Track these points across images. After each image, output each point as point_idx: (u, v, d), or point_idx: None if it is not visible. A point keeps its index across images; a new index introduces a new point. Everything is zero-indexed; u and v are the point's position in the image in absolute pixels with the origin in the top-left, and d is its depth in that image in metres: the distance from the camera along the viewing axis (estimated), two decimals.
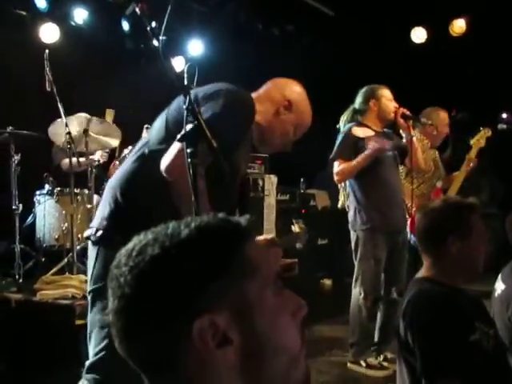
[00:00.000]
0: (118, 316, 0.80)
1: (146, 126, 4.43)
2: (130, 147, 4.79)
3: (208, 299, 0.77)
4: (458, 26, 6.68)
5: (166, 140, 2.00)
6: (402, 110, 3.83)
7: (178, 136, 1.76)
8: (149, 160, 2.04)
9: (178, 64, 6.67)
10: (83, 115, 4.55)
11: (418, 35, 6.85)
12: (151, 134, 2.17)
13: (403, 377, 1.99)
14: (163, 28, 1.72)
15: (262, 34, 6.96)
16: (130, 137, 4.78)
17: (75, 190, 4.46)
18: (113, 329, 0.81)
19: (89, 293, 2.09)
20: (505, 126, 4.91)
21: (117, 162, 4.90)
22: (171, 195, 1.90)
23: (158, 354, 0.78)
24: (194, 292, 0.77)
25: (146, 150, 2.08)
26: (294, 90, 2.32)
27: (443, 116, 4.58)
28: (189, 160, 1.57)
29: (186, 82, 1.77)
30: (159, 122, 2.15)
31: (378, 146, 3.65)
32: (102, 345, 1.96)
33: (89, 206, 4.56)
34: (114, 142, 4.72)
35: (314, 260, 6.85)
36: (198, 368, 0.77)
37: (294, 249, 6.19)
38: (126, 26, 6.32)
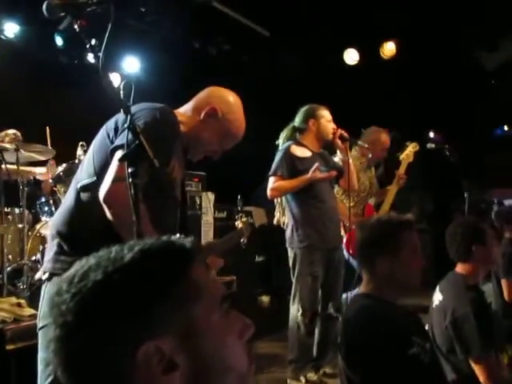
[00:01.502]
0: (61, 344, 0.77)
1: (80, 143, 4.33)
2: (64, 165, 4.67)
3: (153, 324, 0.76)
4: (389, 48, 6.92)
5: (95, 172, 1.98)
6: (340, 131, 3.92)
7: (119, 155, 1.73)
8: (82, 195, 2.00)
9: (114, 80, 6.59)
10: (12, 132, 4.40)
11: (351, 56, 7.06)
12: (83, 164, 2.13)
13: None
14: (104, 45, 1.70)
15: (199, 52, 6.97)
16: (64, 154, 4.66)
17: (5, 209, 4.28)
18: (56, 358, 0.78)
19: (37, 331, 2.02)
20: (433, 145, 5.11)
21: (50, 180, 4.75)
22: (112, 226, 1.86)
23: (103, 381, 0.76)
24: (138, 317, 0.75)
25: (78, 186, 2.02)
26: (224, 98, 2.26)
27: (384, 139, 4.73)
28: (130, 180, 1.54)
29: (122, 99, 1.75)
30: (89, 153, 2.12)
31: (320, 176, 3.74)
32: (47, 383, 1.89)
33: (20, 225, 4.38)
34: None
35: (251, 277, 6.85)
36: None
37: (231, 266, 6.19)
38: (59, 41, 6.18)
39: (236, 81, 6.86)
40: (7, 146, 4.18)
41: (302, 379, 3.80)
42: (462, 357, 2.52)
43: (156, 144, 1.72)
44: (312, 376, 3.81)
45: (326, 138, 3.94)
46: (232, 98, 2.28)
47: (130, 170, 1.56)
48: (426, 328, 4.72)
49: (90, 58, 6.08)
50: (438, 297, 2.73)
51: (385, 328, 1.95)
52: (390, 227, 2.09)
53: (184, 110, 2.25)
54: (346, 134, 3.94)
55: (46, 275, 1.99)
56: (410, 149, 4.78)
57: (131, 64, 7.01)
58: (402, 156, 4.77)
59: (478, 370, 2.47)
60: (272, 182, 3.84)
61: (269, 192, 3.87)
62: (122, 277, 0.77)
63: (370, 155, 4.61)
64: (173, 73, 6.80)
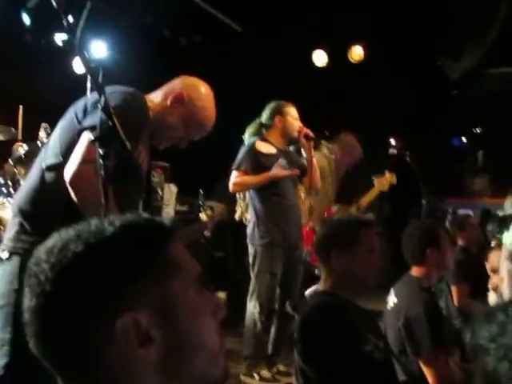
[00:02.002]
0: (36, 314, 0.77)
1: (43, 124, 4.23)
2: (24, 145, 4.56)
3: (131, 297, 0.77)
4: (357, 52, 7.00)
5: (61, 153, 1.95)
6: (305, 130, 3.95)
7: (87, 135, 1.70)
8: (47, 175, 1.97)
9: (80, 64, 6.46)
10: None
11: (320, 58, 7.11)
12: (49, 144, 2.08)
13: None
14: (82, 21, 1.66)
15: (169, 42, 6.90)
16: (25, 135, 4.55)
17: None
18: (29, 328, 0.78)
19: None
20: (395, 151, 5.19)
21: (10, 161, 4.63)
22: (75, 207, 1.83)
23: (79, 353, 0.76)
24: (117, 290, 0.76)
25: (43, 165, 1.98)
26: (194, 85, 2.23)
27: (359, 152, 4.88)
28: (101, 162, 1.52)
29: (89, 84, 1.73)
30: (55, 133, 2.08)
31: (283, 173, 3.78)
32: (1, 363, 1.83)
33: None
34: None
35: (209, 272, 6.84)
36: (120, 367, 0.76)
37: None
38: (26, 19, 6.01)
39: (204, 73, 6.85)
40: None
41: (256, 376, 3.81)
42: (412, 357, 2.57)
43: (126, 127, 1.71)
44: (265, 373, 3.82)
45: (291, 135, 3.96)
46: (203, 87, 2.26)
47: (101, 152, 1.54)
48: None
49: (58, 39, 5.95)
50: (392, 299, 2.78)
51: (340, 325, 1.99)
52: (348, 224, 2.13)
53: (153, 96, 2.23)
54: (311, 134, 3.97)
55: (6, 254, 1.93)
56: (388, 178, 4.82)
57: (98, 48, 6.88)
58: (377, 181, 4.81)
59: (427, 371, 2.53)
60: (235, 176, 3.83)
61: (231, 186, 3.87)
62: (103, 249, 0.78)
63: (337, 156, 4.68)
64: (141, 60, 6.71)
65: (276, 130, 3.94)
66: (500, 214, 5.40)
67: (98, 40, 6.82)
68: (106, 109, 1.58)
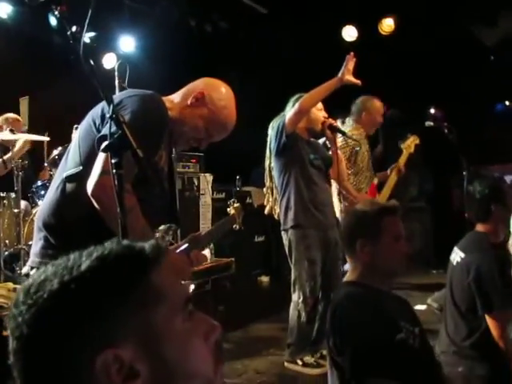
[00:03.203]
0: (18, 357, 0.76)
1: (75, 126, 4.30)
2: (59, 148, 4.65)
3: (110, 332, 0.74)
4: (387, 24, 6.83)
5: (81, 161, 1.94)
6: (329, 121, 3.87)
7: (102, 146, 1.71)
8: (68, 186, 1.95)
9: (110, 60, 6.53)
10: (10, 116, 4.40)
11: (349, 33, 6.97)
12: (69, 152, 2.07)
13: (333, 379, 2.02)
14: (84, 31, 1.66)
15: (195, 31, 6.89)
16: (60, 137, 4.64)
17: (1, 194, 4.28)
18: (14, 370, 0.77)
19: None
20: (432, 123, 5.04)
21: (45, 164, 4.74)
22: (99, 217, 1.82)
23: None
24: (95, 326, 0.74)
25: (64, 175, 1.97)
26: (215, 86, 2.18)
27: (378, 105, 4.73)
28: (114, 171, 1.52)
29: (117, 82, 1.73)
30: (75, 141, 2.06)
31: (353, 79, 3.66)
32: None
33: (16, 210, 4.39)
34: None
35: (250, 258, 6.88)
36: None
37: (230, 247, 6.21)
38: (53, 21, 6.09)
39: (232, 59, 6.82)
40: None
41: (299, 362, 3.82)
42: (481, 312, 2.57)
43: (143, 134, 1.70)
44: (309, 359, 3.81)
45: (315, 127, 3.90)
46: (224, 87, 2.20)
47: (113, 161, 1.54)
48: (429, 302, 4.76)
49: (86, 38, 6.03)
50: (459, 254, 2.76)
51: (371, 314, 1.96)
52: (371, 213, 2.08)
53: (173, 97, 2.20)
54: (335, 124, 3.90)
55: (34, 271, 1.93)
56: (412, 140, 4.82)
57: (127, 43, 6.93)
58: (404, 146, 4.79)
59: (493, 325, 2.52)
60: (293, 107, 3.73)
61: (300, 105, 3.68)
62: (77, 286, 0.75)
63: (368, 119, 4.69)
64: (169, 51, 6.73)
65: (300, 123, 3.88)
66: None
67: (125, 35, 6.88)
68: (115, 117, 1.58)
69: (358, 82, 3.72)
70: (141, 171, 1.70)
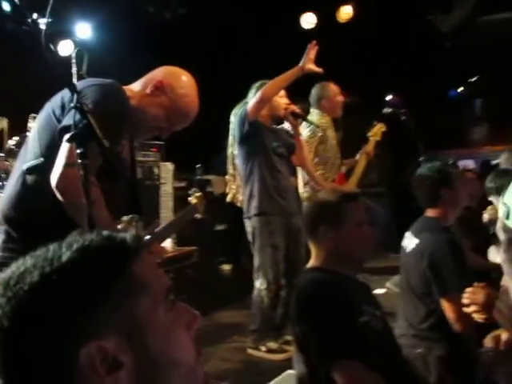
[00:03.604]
0: None
1: (31, 115, 4.19)
2: (15, 138, 4.53)
3: (93, 324, 0.74)
4: (345, 12, 6.88)
5: (42, 153, 1.91)
6: (292, 107, 3.91)
7: (67, 136, 1.68)
8: (28, 178, 1.92)
9: (66, 48, 6.38)
10: None
11: (308, 20, 6.98)
12: (28, 143, 2.03)
13: (300, 363, 2.05)
14: (46, 20, 1.62)
15: (153, 17, 6.79)
16: (15, 126, 4.51)
17: None
18: None
19: None
20: (389, 110, 5.13)
21: (1, 154, 4.60)
22: (62, 209, 1.80)
23: None
24: (78, 319, 0.73)
25: (24, 167, 1.93)
26: (175, 75, 2.16)
27: (333, 88, 4.73)
28: (79, 162, 1.50)
29: (74, 69, 1.71)
30: (33, 131, 2.03)
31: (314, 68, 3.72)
32: None
33: None
34: None
35: (212, 246, 6.87)
36: None
37: (191, 236, 6.19)
38: (6, 6, 5.91)
39: (191, 47, 6.75)
40: None
41: (263, 348, 3.85)
42: (437, 296, 2.60)
43: (106, 123, 1.68)
44: (272, 344, 3.85)
45: (278, 113, 3.93)
46: (184, 75, 2.18)
47: (78, 151, 1.52)
48: (388, 286, 4.85)
49: (42, 23, 5.88)
50: (413, 241, 2.79)
51: (335, 297, 1.99)
52: (333, 200, 2.11)
53: (132, 86, 2.18)
54: (298, 111, 3.95)
55: None
56: (378, 128, 4.87)
57: (83, 30, 6.77)
58: (371, 134, 4.84)
59: (449, 309, 2.55)
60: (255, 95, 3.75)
61: (262, 93, 3.70)
62: (59, 278, 0.74)
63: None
64: (127, 39, 6.61)
65: (263, 111, 3.90)
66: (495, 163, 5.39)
67: (82, 21, 6.72)
68: (80, 107, 1.55)
69: (320, 70, 3.76)
70: (106, 161, 1.69)
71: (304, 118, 4.10)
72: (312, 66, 3.70)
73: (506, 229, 0.95)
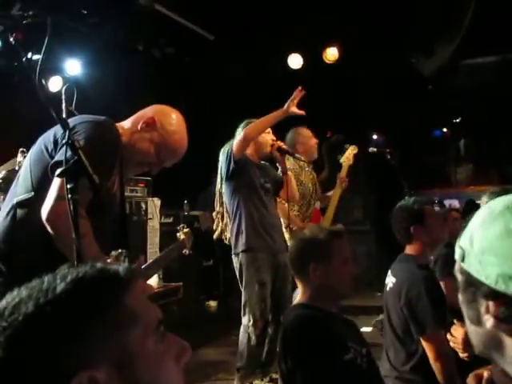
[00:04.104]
0: None
1: (21, 149, 4.20)
2: (3, 172, 4.52)
3: (86, 355, 0.75)
4: (331, 53, 7.03)
5: (33, 187, 1.93)
6: (278, 143, 3.96)
7: (58, 171, 1.70)
8: (19, 211, 1.93)
9: (56, 84, 6.44)
10: None
11: (295, 61, 7.12)
12: (19, 177, 2.06)
13: None
14: (41, 60, 1.66)
15: (142, 56, 6.89)
16: (3, 161, 4.52)
17: None
18: None
19: None
20: (375, 149, 5.20)
21: None
22: (52, 242, 1.81)
23: None
24: (70, 349, 0.74)
25: (14, 201, 1.95)
26: (165, 112, 2.22)
27: (305, 132, 4.73)
28: (69, 196, 1.52)
29: (63, 105, 1.74)
30: (25, 166, 2.05)
31: (297, 111, 3.79)
32: None
33: None
34: None
35: (198, 282, 6.84)
36: None
37: (178, 272, 6.16)
38: None
39: (180, 85, 6.84)
40: None
41: None
42: (416, 336, 2.59)
43: (97, 160, 1.71)
44: (258, 382, 3.82)
45: (264, 150, 3.99)
46: (174, 113, 2.24)
47: (68, 186, 1.54)
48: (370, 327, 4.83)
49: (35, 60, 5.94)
50: (391, 280, 2.79)
51: (321, 335, 2.00)
52: (321, 237, 2.14)
53: (123, 123, 2.22)
54: (284, 146, 4.00)
55: None
56: (350, 151, 4.81)
57: (73, 67, 6.84)
58: (343, 159, 4.79)
59: (428, 348, 2.54)
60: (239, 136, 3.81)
61: (245, 134, 3.75)
62: (53, 309, 0.75)
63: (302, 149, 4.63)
64: (116, 76, 6.70)
65: (250, 147, 3.96)
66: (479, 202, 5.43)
67: (71, 59, 6.80)
68: (71, 143, 1.58)
69: (302, 112, 3.85)
70: (96, 197, 1.71)
71: (290, 154, 4.15)
72: (295, 109, 3.80)
73: (462, 271, 1.00)
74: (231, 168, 3.85)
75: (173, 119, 2.20)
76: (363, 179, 8.84)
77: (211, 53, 6.84)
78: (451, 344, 1.99)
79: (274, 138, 3.97)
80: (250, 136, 3.79)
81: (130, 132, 2.15)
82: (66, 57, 6.74)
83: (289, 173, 4.07)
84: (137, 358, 0.78)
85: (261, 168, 4.02)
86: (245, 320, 3.84)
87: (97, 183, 1.58)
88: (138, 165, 2.20)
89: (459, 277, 1.03)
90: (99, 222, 1.87)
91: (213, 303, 7.08)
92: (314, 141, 4.75)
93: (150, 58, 6.91)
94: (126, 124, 2.20)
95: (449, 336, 2.08)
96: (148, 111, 2.22)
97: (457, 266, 1.05)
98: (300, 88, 3.79)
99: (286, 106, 3.78)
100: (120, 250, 1.96)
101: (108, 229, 2.02)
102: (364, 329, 4.87)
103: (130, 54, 6.80)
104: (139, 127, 2.15)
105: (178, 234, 2.56)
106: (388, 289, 2.81)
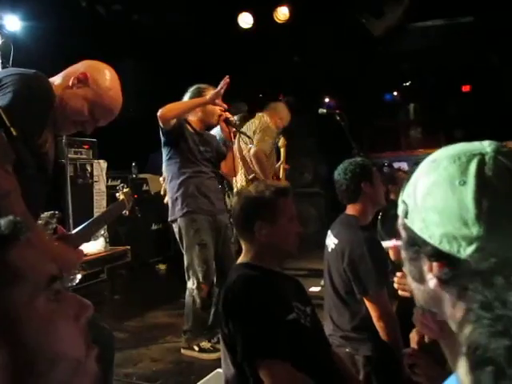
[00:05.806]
0: None
1: None
2: None
3: None
4: (282, 13, 6.91)
5: None
6: (225, 114, 3.85)
7: None
8: None
9: None
10: None
11: (245, 20, 6.97)
12: None
13: (227, 362, 2.02)
14: None
15: (85, 12, 6.59)
16: None
17: None
18: None
19: None
20: (325, 111, 5.18)
21: None
22: None
23: None
24: None
25: None
26: (98, 69, 2.10)
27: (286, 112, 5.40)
28: None
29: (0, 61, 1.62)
30: None
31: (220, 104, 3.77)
32: None
33: None
34: None
35: (147, 246, 6.77)
36: None
37: (126, 235, 6.07)
38: None
39: (125, 42, 6.61)
40: None
41: (196, 348, 3.81)
42: (359, 297, 2.62)
43: (23, 113, 1.61)
44: (205, 344, 3.82)
45: (211, 119, 3.89)
46: (108, 70, 2.13)
47: None
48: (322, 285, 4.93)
49: None
50: (332, 240, 2.79)
51: (262, 296, 1.95)
52: (267, 196, 2.08)
53: (53, 79, 2.08)
54: (231, 118, 3.89)
55: None
56: (282, 142, 5.55)
57: (12, 22, 6.51)
58: (280, 145, 5.43)
59: (372, 308, 2.58)
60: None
61: (160, 112, 3.64)
62: None
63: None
64: (58, 32, 6.40)
65: (196, 114, 3.86)
66: None
67: (10, 14, 6.45)
68: None
69: (225, 106, 3.81)
70: (14, 151, 1.61)
71: (237, 129, 4.06)
72: (219, 102, 3.73)
73: (405, 227, 0.97)
74: (164, 136, 3.77)
75: (106, 75, 2.09)
76: (313, 141, 8.87)
77: (160, 11, 6.61)
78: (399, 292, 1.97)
79: (223, 108, 3.86)
80: (164, 117, 3.66)
81: (60, 88, 2.03)
82: (4, 12, 6.40)
83: (235, 147, 4.01)
84: (22, 318, 0.73)
85: (202, 136, 3.93)
86: (189, 283, 3.81)
87: (15, 137, 1.48)
88: (70, 123, 2.07)
89: (403, 233, 1.01)
90: (26, 181, 1.77)
91: (162, 266, 7.04)
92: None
93: (95, 14, 6.63)
94: (57, 79, 2.07)
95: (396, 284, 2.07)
96: (79, 66, 2.09)
97: (400, 221, 1.02)
98: (227, 78, 3.65)
99: (212, 95, 3.67)
100: (52, 212, 1.87)
101: (37, 188, 1.92)
102: (313, 288, 4.94)
103: (73, 10, 6.51)
104: (70, 83, 2.03)
105: (117, 194, 2.47)
106: (330, 250, 2.81)
